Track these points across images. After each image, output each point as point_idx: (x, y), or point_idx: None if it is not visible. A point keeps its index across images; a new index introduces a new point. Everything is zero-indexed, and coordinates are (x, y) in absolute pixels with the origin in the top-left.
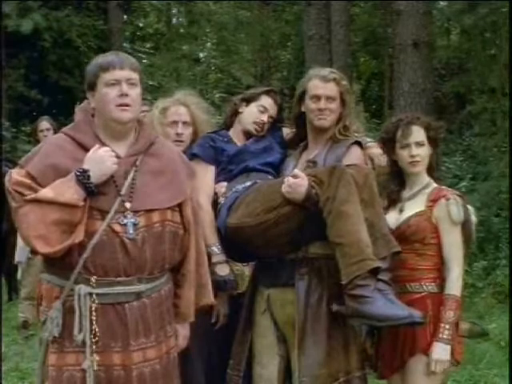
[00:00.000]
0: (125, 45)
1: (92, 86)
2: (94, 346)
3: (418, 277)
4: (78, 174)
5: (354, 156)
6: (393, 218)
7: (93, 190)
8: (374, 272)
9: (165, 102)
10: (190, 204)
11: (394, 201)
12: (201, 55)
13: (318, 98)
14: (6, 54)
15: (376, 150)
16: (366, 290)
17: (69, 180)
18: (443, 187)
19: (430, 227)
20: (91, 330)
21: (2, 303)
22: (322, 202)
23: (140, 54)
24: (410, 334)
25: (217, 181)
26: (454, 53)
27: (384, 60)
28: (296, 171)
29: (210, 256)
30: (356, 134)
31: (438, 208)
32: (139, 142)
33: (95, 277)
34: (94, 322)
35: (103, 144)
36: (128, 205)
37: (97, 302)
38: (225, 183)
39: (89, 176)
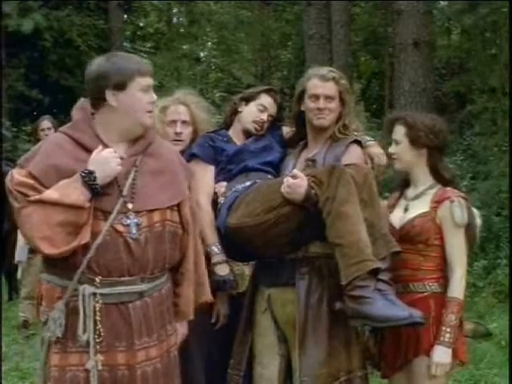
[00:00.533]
0: (125, 44)
1: (121, 86)
2: (97, 346)
3: (420, 277)
4: (84, 175)
5: (354, 155)
6: (397, 218)
7: (98, 192)
8: (374, 272)
9: (164, 101)
10: (189, 204)
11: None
12: (201, 55)
13: (316, 97)
14: (6, 54)
15: (376, 148)
16: (366, 291)
17: (74, 181)
18: (448, 188)
19: (433, 228)
20: (95, 330)
21: (2, 303)
22: (321, 203)
23: (141, 54)
24: (414, 334)
25: (216, 180)
26: (454, 52)
27: (384, 59)
28: (295, 171)
29: (209, 255)
30: (356, 133)
31: (441, 209)
32: (138, 143)
33: (100, 277)
34: (98, 322)
35: (104, 144)
36: (130, 205)
37: (101, 302)
38: (224, 183)
39: (95, 177)
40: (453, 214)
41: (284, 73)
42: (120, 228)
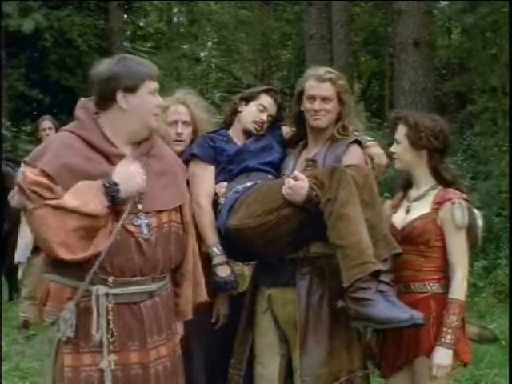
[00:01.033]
0: (125, 44)
1: (132, 89)
2: (110, 346)
3: (422, 277)
4: (108, 185)
5: (354, 155)
6: (399, 219)
7: (119, 203)
8: (376, 274)
9: (165, 101)
10: (188, 204)
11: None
12: (201, 54)
13: (313, 98)
14: (6, 54)
15: (376, 149)
16: (368, 293)
17: (95, 189)
18: (450, 189)
19: (434, 230)
20: (108, 330)
21: (3, 303)
22: (322, 204)
23: (141, 54)
24: (414, 334)
25: (217, 181)
26: (454, 52)
27: (384, 59)
28: (296, 173)
29: (208, 256)
30: (356, 133)
31: (443, 211)
32: (143, 145)
33: (112, 277)
34: (111, 322)
35: (112, 145)
36: (140, 206)
37: (113, 302)
38: (225, 183)
39: (118, 190)
40: (454, 216)
41: (284, 73)
42: (131, 228)
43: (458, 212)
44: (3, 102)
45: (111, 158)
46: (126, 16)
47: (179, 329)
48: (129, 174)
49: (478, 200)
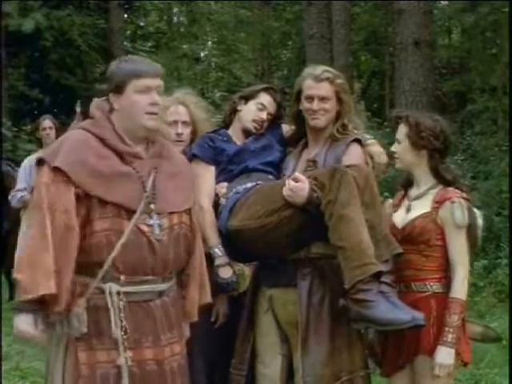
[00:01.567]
0: (126, 44)
1: (119, 90)
2: (125, 343)
3: (422, 277)
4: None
5: (354, 154)
6: (400, 218)
7: None
8: (377, 275)
9: (164, 101)
10: (193, 206)
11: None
12: (201, 54)
13: (311, 98)
14: (6, 53)
15: (376, 147)
16: (369, 294)
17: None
18: (450, 189)
19: (434, 229)
20: (122, 327)
21: (3, 302)
22: (323, 206)
23: (141, 53)
24: (415, 334)
25: (217, 181)
26: (454, 52)
27: (385, 59)
28: (297, 174)
29: (209, 257)
30: (355, 131)
31: (443, 210)
32: (155, 145)
33: (124, 275)
34: (123, 320)
35: (126, 143)
36: (153, 206)
37: (124, 299)
38: (225, 184)
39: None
40: (453, 215)
41: (284, 72)
42: (144, 228)
43: (457, 211)
44: (3, 102)
45: (124, 157)
46: (126, 16)
47: (186, 331)
48: None
49: (479, 200)
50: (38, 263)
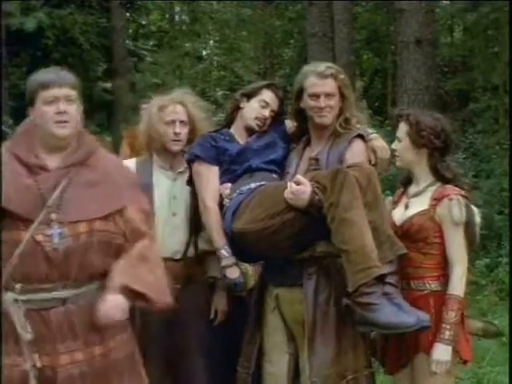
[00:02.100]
0: (127, 42)
1: (31, 103)
2: (28, 349)
3: (421, 275)
4: None
5: (357, 150)
6: (398, 215)
7: None
8: (380, 278)
9: (162, 99)
10: (139, 209)
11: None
12: (203, 53)
13: (317, 96)
14: (8, 52)
15: (379, 141)
16: (373, 297)
17: None
18: (448, 186)
19: (432, 226)
20: (26, 333)
21: None
22: (325, 208)
23: (143, 52)
24: (414, 332)
25: (221, 181)
26: (457, 50)
27: (387, 57)
28: (298, 177)
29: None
30: (358, 126)
31: (440, 207)
32: (76, 154)
33: (20, 284)
34: (25, 326)
35: (36, 156)
36: (54, 216)
37: (23, 307)
38: (229, 184)
39: None
40: (451, 212)
41: (286, 71)
42: (40, 238)
43: (455, 208)
44: (5, 100)
45: (32, 169)
46: (128, 14)
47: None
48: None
49: (480, 198)
50: None
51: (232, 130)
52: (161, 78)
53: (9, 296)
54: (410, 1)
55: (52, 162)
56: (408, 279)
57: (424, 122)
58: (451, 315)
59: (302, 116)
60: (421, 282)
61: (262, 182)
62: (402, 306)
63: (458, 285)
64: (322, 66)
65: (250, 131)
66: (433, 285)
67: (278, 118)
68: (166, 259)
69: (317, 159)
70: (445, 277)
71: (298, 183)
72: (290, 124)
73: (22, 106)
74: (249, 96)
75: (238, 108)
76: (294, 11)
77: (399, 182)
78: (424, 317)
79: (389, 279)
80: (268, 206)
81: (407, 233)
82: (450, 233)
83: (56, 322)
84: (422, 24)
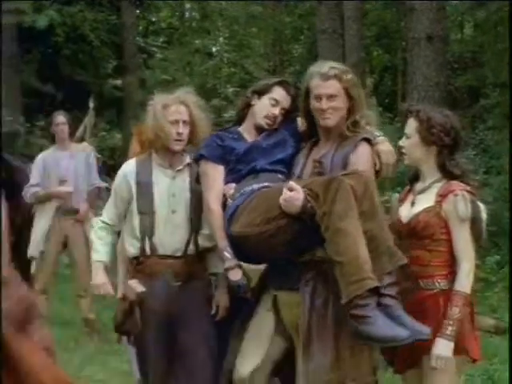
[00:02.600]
0: (138, 39)
1: None
2: None
3: (430, 273)
4: None
5: (362, 154)
6: (405, 212)
7: None
8: (375, 290)
9: (166, 98)
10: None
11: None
12: (213, 49)
13: (319, 97)
14: (20, 49)
15: (384, 146)
16: (366, 310)
17: None
18: (454, 182)
19: (438, 223)
20: None
21: None
22: (318, 217)
23: (153, 49)
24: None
25: (226, 181)
26: (467, 46)
27: (397, 54)
28: (291, 184)
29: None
30: (368, 127)
31: (446, 203)
32: None
33: None
34: None
35: None
36: None
37: None
38: (233, 184)
39: None
40: (456, 208)
41: (297, 67)
42: None
43: (461, 204)
44: (17, 97)
45: None
46: (138, 11)
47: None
48: None
49: (490, 195)
50: None
51: (242, 128)
52: (171, 75)
53: None
54: (420, 0)
55: None
56: (416, 278)
57: (434, 119)
58: (455, 311)
59: (310, 116)
60: (430, 280)
61: (265, 184)
62: (401, 318)
63: (464, 281)
64: (325, 67)
65: (259, 129)
66: (442, 283)
67: (289, 115)
68: (166, 257)
69: (320, 162)
70: (453, 274)
71: (291, 190)
72: (301, 122)
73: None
74: (259, 93)
75: (248, 105)
76: (303, 8)
77: (407, 179)
78: (422, 329)
79: (388, 291)
80: (263, 210)
81: (414, 230)
82: (456, 229)
83: None
84: (433, 20)
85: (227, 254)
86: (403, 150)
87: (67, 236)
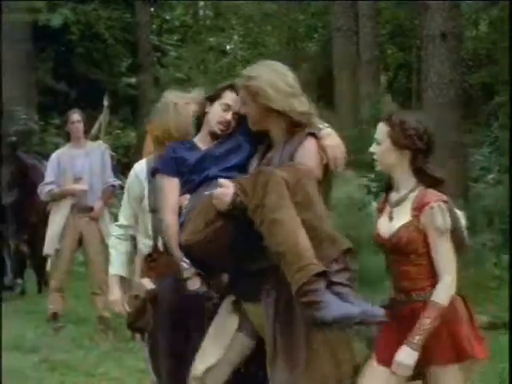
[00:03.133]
0: (152, 37)
1: None
2: None
3: (420, 286)
4: None
5: (308, 150)
6: (384, 227)
7: None
8: (323, 275)
9: (182, 97)
10: None
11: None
12: (227, 47)
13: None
14: (34, 48)
15: (330, 140)
16: (317, 295)
17: None
18: (428, 191)
19: (419, 237)
20: None
21: (32, 295)
22: (250, 211)
23: (167, 47)
24: (427, 343)
25: (181, 193)
26: (481, 44)
27: (411, 51)
28: (221, 180)
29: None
30: (315, 120)
31: (423, 217)
32: None
33: None
34: None
35: None
36: None
37: None
38: (188, 195)
39: None
40: (434, 221)
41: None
42: None
43: (438, 216)
44: (32, 96)
45: None
46: (152, 9)
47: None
48: None
49: (502, 194)
50: None
51: (197, 138)
52: (185, 73)
53: None
54: (435, 0)
55: None
56: (409, 292)
57: (408, 123)
58: (426, 322)
59: None
60: (422, 292)
61: (214, 190)
62: (353, 301)
63: (442, 294)
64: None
65: (215, 136)
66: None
67: (243, 119)
68: (169, 254)
69: (269, 161)
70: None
71: (221, 186)
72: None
73: (47, 101)
74: (211, 100)
75: (204, 113)
76: (318, 6)
77: (383, 188)
78: (374, 311)
79: (338, 278)
80: (203, 214)
81: (397, 246)
82: (437, 242)
83: None
84: (447, 18)
85: (184, 264)
86: (374, 157)
87: (82, 234)
